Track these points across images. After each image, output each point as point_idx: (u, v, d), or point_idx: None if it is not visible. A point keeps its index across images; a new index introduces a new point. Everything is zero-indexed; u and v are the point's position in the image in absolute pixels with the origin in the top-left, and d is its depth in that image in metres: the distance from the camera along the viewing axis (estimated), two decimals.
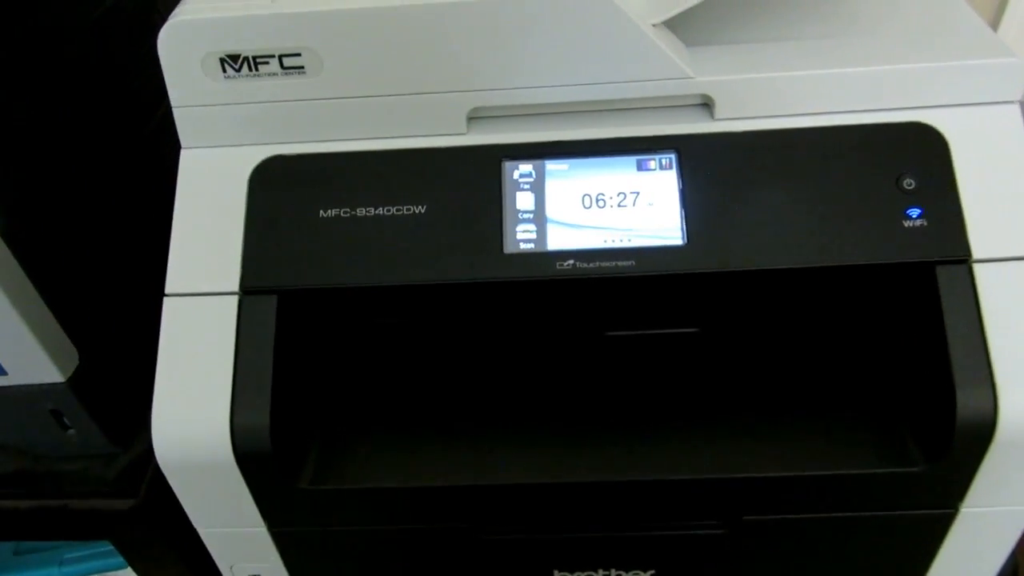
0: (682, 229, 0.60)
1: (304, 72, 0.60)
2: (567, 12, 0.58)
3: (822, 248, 0.58)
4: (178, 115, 0.62)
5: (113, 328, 0.84)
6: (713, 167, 0.61)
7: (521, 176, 0.62)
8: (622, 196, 0.61)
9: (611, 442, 0.62)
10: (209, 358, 0.60)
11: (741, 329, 0.66)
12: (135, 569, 0.93)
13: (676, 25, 0.61)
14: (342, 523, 0.64)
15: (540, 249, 0.60)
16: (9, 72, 0.70)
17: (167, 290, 0.61)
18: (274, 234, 0.61)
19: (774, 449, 0.61)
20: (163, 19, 0.59)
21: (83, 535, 0.91)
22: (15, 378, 0.77)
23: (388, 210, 0.61)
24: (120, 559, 1.09)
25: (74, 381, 0.78)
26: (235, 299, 0.60)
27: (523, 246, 0.60)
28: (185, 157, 0.64)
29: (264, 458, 0.59)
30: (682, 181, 0.61)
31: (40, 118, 0.74)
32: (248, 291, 0.60)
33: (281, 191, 0.62)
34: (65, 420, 0.82)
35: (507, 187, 0.61)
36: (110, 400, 0.83)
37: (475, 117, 0.63)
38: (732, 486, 0.61)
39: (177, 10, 0.60)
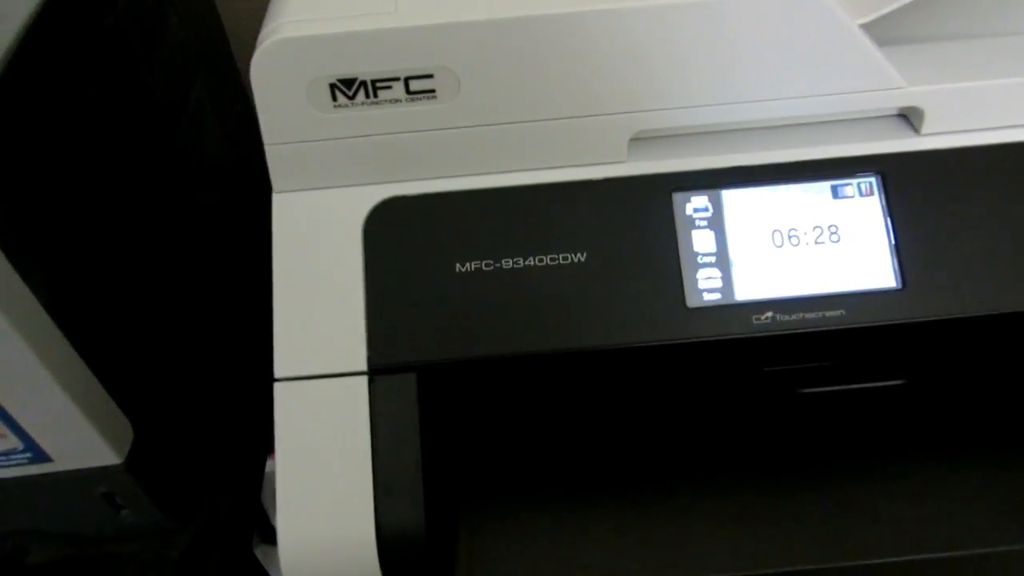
0: (895, 269, 0.50)
1: (435, 97, 0.49)
2: (762, 11, 0.47)
3: None
4: (272, 153, 0.51)
5: (165, 397, 0.72)
6: (924, 192, 0.51)
7: (696, 211, 0.51)
8: (819, 231, 0.51)
9: (796, 525, 0.53)
10: (340, 451, 0.49)
11: (957, 377, 0.57)
12: None
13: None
14: None
15: (729, 300, 0.50)
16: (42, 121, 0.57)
17: (276, 374, 0.50)
18: (402, 295, 0.50)
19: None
20: (181, 17, 0.46)
21: None
22: (63, 463, 0.65)
23: (540, 260, 0.51)
24: None
25: (130, 461, 0.66)
26: (363, 380, 0.49)
27: (708, 297, 0.50)
28: (280, 202, 0.52)
29: (417, 563, 0.48)
30: (889, 210, 0.51)
31: (78, 172, 0.62)
32: (379, 370, 0.49)
33: (405, 241, 0.51)
34: (118, 500, 0.70)
35: (681, 225, 0.51)
36: (167, 475, 0.72)
37: (637, 139, 0.52)
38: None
39: (270, 24, 0.48)
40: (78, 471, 0.66)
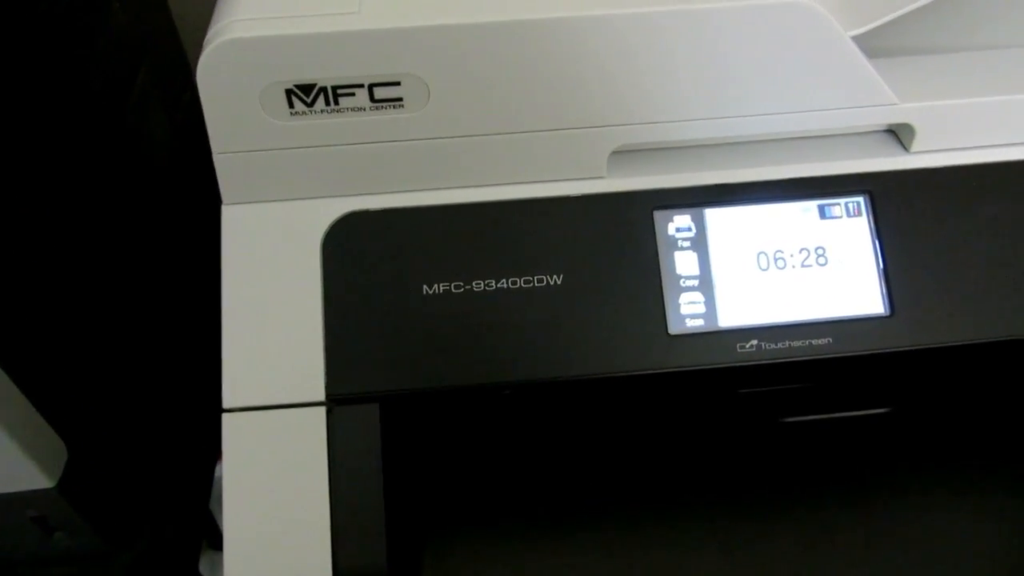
0: (883, 295, 0.48)
1: (402, 105, 0.45)
2: (754, 21, 0.44)
3: None
4: (222, 163, 0.46)
5: (102, 417, 0.67)
6: (913, 213, 0.49)
7: (678, 231, 0.49)
8: (805, 252, 0.49)
9: (806, 548, 0.51)
10: (295, 487, 0.45)
11: (944, 404, 0.55)
12: None
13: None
14: None
15: (712, 327, 0.47)
16: None
17: (225, 404, 0.46)
18: (364, 319, 0.46)
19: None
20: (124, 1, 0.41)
21: None
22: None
23: (514, 282, 0.47)
24: None
25: (63, 484, 0.62)
26: (321, 411, 0.46)
27: (691, 323, 0.47)
28: (230, 216, 0.48)
29: None
30: (877, 232, 0.49)
31: (8, 170, 0.56)
32: (338, 400, 0.45)
33: (368, 259, 0.47)
34: (50, 523, 0.66)
35: (662, 245, 0.48)
36: (103, 498, 0.67)
37: (618, 153, 0.49)
38: None
39: (220, 21, 0.43)
40: (6, 495, 0.61)
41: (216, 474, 0.90)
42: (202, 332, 0.79)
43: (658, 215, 0.49)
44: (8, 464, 0.58)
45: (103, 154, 0.70)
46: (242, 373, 0.46)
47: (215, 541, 0.90)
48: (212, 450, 0.84)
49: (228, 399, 0.46)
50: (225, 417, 0.46)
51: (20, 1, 0.58)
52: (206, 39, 0.42)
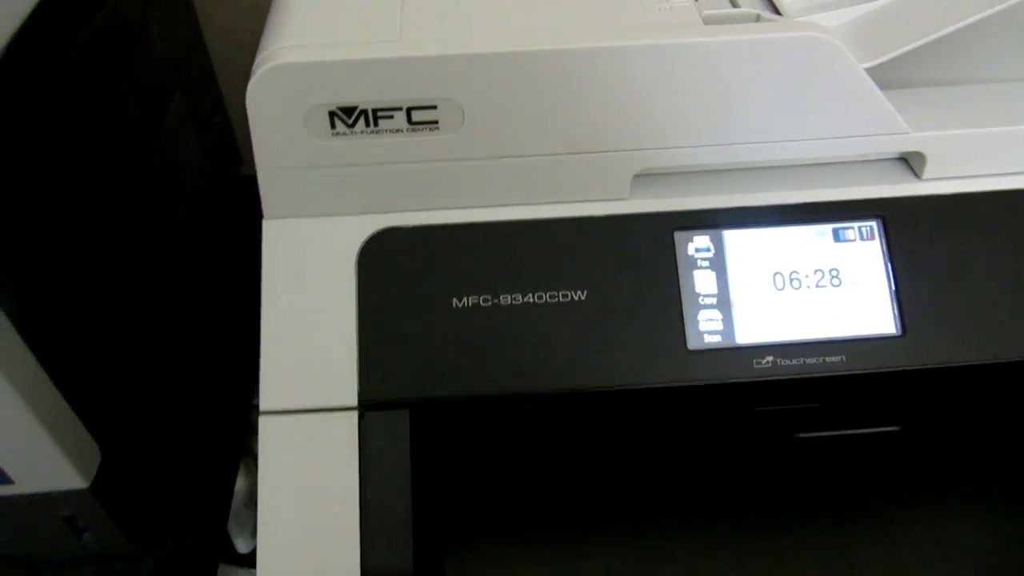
0: (895, 315, 0.50)
1: (437, 128, 0.47)
2: (772, 53, 0.46)
3: None
4: (265, 179, 0.49)
5: (134, 422, 0.70)
6: (925, 237, 0.51)
7: (698, 251, 0.51)
8: (820, 274, 0.51)
9: (822, 564, 0.52)
10: (326, 489, 0.47)
11: (953, 424, 0.57)
12: None
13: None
14: None
15: (730, 343, 0.49)
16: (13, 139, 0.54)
17: (262, 407, 0.48)
18: (396, 329, 0.49)
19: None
20: (162, 29, 0.44)
21: None
22: (24, 486, 0.62)
23: (540, 297, 0.49)
24: None
25: (96, 485, 0.64)
26: (354, 415, 0.48)
27: (709, 339, 0.49)
28: (272, 229, 0.50)
29: None
30: (889, 255, 0.51)
31: (52, 188, 0.59)
32: (370, 405, 0.48)
33: (401, 272, 0.49)
34: (80, 524, 0.68)
35: (682, 265, 0.50)
36: (132, 501, 0.69)
37: (640, 176, 0.51)
38: None
39: (268, 48, 0.46)
40: (41, 494, 0.63)
41: (235, 488, 0.93)
42: (228, 343, 0.81)
43: (679, 236, 0.51)
44: (44, 463, 0.60)
45: (141, 172, 0.72)
46: (279, 378, 0.48)
47: (232, 557, 0.92)
48: (232, 460, 0.86)
49: (265, 402, 0.48)
50: (261, 419, 0.48)
51: (64, 26, 0.61)
52: (256, 63, 0.45)
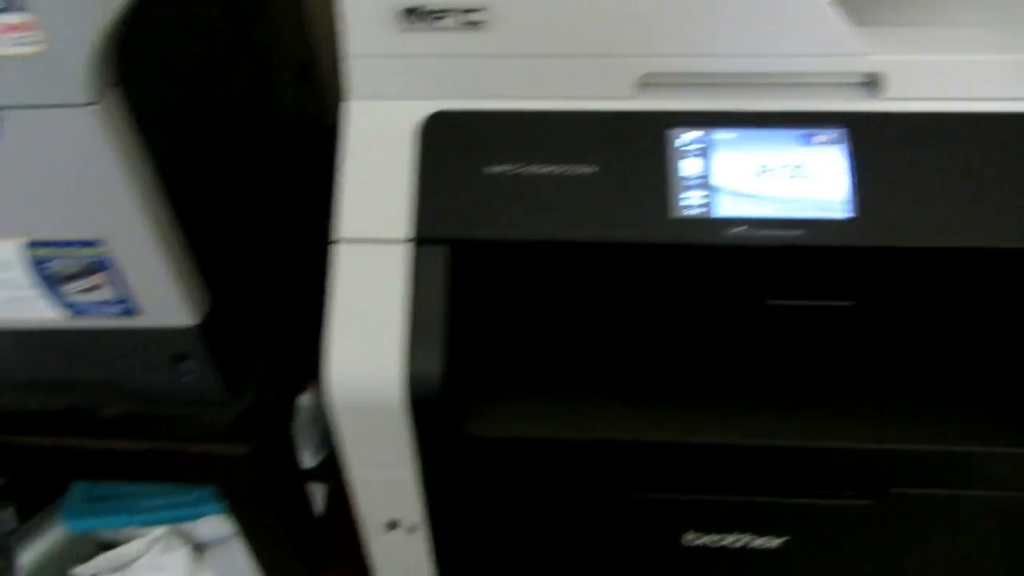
0: (851, 203, 0.61)
1: (481, 27, 0.61)
2: None
3: (988, 231, 0.59)
4: (350, 66, 0.63)
5: (238, 276, 0.85)
6: (881, 145, 0.62)
7: (690, 143, 0.63)
8: (788, 168, 0.62)
9: (761, 408, 0.63)
10: (382, 304, 0.60)
11: (895, 304, 0.67)
12: (237, 517, 0.94)
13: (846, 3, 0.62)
14: (492, 472, 0.65)
15: (708, 215, 0.61)
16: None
17: (338, 235, 0.62)
18: (445, 187, 0.62)
19: (920, 424, 0.62)
20: None
21: (193, 479, 0.92)
22: (147, 320, 0.77)
23: (557, 168, 0.62)
24: (190, 511, 1.11)
25: (204, 326, 0.78)
26: (408, 247, 0.61)
27: (692, 211, 0.61)
28: (352, 108, 0.64)
29: (434, 405, 0.60)
30: (851, 157, 0.62)
31: (194, 79, 0.75)
32: (422, 240, 0.61)
33: (450, 146, 0.63)
34: (182, 365, 0.82)
35: (674, 153, 0.62)
36: (232, 348, 0.84)
37: (644, 84, 0.64)
38: (877, 457, 0.62)
39: None
40: (157, 329, 0.78)
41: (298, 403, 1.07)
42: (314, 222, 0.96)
43: (675, 130, 0.63)
44: (166, 298, 0.75)
45: (258, 84, 0.89)
46: (348, 215, 0.62)
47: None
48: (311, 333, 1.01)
49: (339, 231, 0.62)
50: (336, 247, 0.62)
51: None
52: None
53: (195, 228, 0.74)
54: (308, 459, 1.17)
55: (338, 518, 1.13)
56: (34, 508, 1.13)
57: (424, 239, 0.61)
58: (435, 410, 0.60)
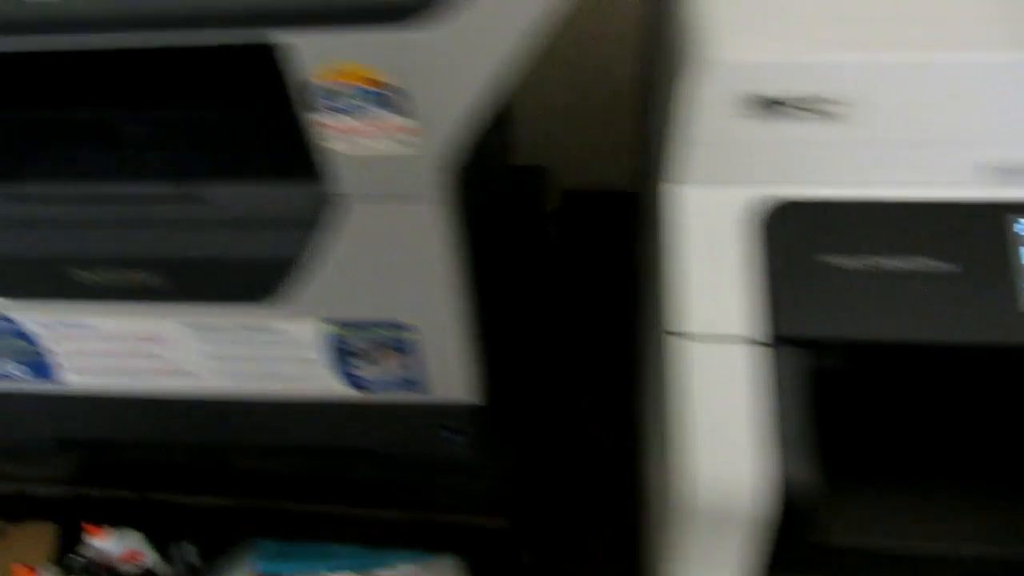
0: None
1: (841, 118, 0.59)
2: None
3: None
4: (682, 150, 0.62)
5: (506, 365, 0.86)
6: None
7: None
8: None
9: None
10: (734, 405, 0.58)
11: None
12: None
13: None
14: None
15: None
16: None
17: (677, 328, 0.60)
18: (798, 282, 0.60)
19: None
20: None
21: (442, 547, 0.92)
22: (433, 395, 0.78)
23: (908, 262, 0.59)
24: (377, 559, 1.09)
25: (488, 403, 0.79)
26: (761, 347, 0.59)
27: None
28: (682, 192, 0.63)
29: (808, 512, 0.57)
30: None
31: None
32: (782, 340, 0.59)
33: (797, 237, 0.61)
34: (450, 436, 0.83)
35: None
36: (500, 423, 0.84)
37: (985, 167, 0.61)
38: None
39: (706, 44, 0.59)
40: (442, 405, 0.78)
41: None
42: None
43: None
44: (455, 377, 0.75)
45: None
46: (685, 309, 0.61)
47: None
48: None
49: (677, 325, 0.60)
50: (673, 339, 0.60)
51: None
52: (691, 54, 0.58)
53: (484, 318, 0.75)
54: None
55: None
56: (215, 549, 1.11)
57: (785, 338, 0.59)
58: (808, 518, 0.58)
